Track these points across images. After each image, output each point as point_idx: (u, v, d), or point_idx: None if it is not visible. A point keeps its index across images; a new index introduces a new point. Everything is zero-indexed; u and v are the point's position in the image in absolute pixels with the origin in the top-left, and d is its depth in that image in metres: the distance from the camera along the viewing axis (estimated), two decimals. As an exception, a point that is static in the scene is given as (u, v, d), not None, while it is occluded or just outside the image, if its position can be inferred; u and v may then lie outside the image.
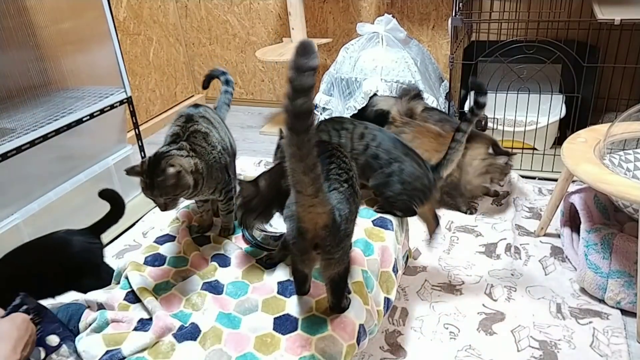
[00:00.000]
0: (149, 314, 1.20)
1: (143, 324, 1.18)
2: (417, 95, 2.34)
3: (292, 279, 1.24)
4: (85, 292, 1.32)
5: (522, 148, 2.51)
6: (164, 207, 1.20)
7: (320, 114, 2.85)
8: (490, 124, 2.47)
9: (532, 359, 1.47)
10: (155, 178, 1.14)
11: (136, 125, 2.41)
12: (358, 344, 1.15)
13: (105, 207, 1.64)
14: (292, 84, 0.83)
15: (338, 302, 1.17)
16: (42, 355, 1.08)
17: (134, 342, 1.12)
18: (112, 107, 2.20)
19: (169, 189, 1.16)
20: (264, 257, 1.38)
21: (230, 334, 1.14)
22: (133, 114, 2.37)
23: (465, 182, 2.07)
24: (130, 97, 2.30)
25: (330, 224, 1.01)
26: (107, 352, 1.11)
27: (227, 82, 1.70)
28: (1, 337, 0.93)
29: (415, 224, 2.12)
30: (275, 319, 1.17)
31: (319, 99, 2.90)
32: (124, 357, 1.09)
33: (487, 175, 2.04)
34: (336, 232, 1.03)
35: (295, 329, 1.14)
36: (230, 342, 1.12)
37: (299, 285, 1.22)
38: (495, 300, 1.70)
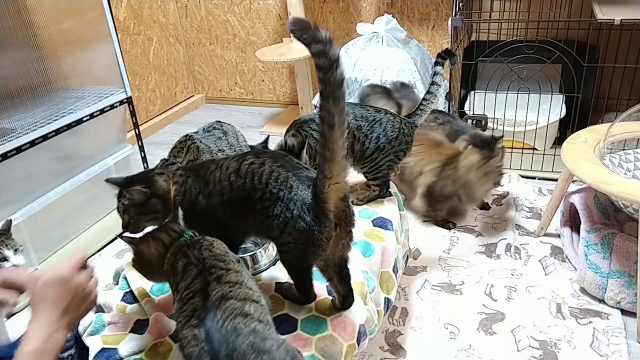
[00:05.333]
0: (146, 315, 1.20)
1: (140, 326, 1.18)
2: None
3: (290, 285, 1.20)
4: None
5: (522, 148, 2.51)
6: None
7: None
8: (490, 124, 2.47)
9: (532, 359, 1.47)
10: None
11: (136, 125, 2.41)
12: (358, 344, 1.15)
13: (103, 208, 1.64)
14: (329, 56, 0.88)
15: (350, 289, 1.15)
16: None
17: (131, 343, 1.12)
18: (112, 107, 2.20)
19: None
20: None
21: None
22: (133, 114, 2.37)
23: (472, 196, 1.98)
24: (130, 97, 2.29)
25: (347, 192, 1.03)
26: (103, 349, 1.11)
27: None
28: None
29: (415, 224, 2.12)
30: (274, 318, 1.17)
31: (318, 99, 2.90)
32: (121, 358, 1.09)
33: (489, 181, 1.92)
34: (349, 198, 1.06)
35: (295, 329, 1.13)
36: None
37: (311, 289, 1.17)
38: (495, 300, 1.70)
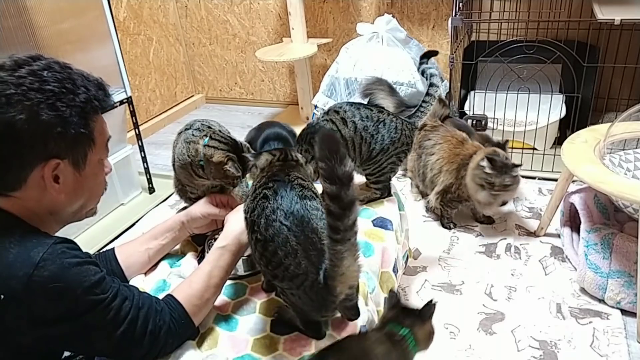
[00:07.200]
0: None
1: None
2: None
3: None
4: None
5: (522, 148, 2.51)
6: None
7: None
8: (490, 124, 2.47)
9: (532, 359, 1.47)
10: None
11: (136, 125, 2.41)
12: (358, 344, 1.15)
13: (103, 208, 1.63)
14: (342, 202, 0.85)
15: (357, 311, 1.15)
16: None
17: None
18: (112, 107, 2.19)
19: None
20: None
21: (227, 336, 1.13)
22: (133, 114, 2.37)
23: (477, 201, 1.92)
24: (130, 97, 2.29)
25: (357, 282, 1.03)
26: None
27: None
28: None
29: (415, 224, 2.12)
30: (272, 320, 1.17)
31: (318, 99, 2.90)
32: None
33: (483, 190, 1.83)
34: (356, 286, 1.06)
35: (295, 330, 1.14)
36: (226, 344, 1.11)
37: (320, 328, 1.13)
38: (495, 300, 1.70)
